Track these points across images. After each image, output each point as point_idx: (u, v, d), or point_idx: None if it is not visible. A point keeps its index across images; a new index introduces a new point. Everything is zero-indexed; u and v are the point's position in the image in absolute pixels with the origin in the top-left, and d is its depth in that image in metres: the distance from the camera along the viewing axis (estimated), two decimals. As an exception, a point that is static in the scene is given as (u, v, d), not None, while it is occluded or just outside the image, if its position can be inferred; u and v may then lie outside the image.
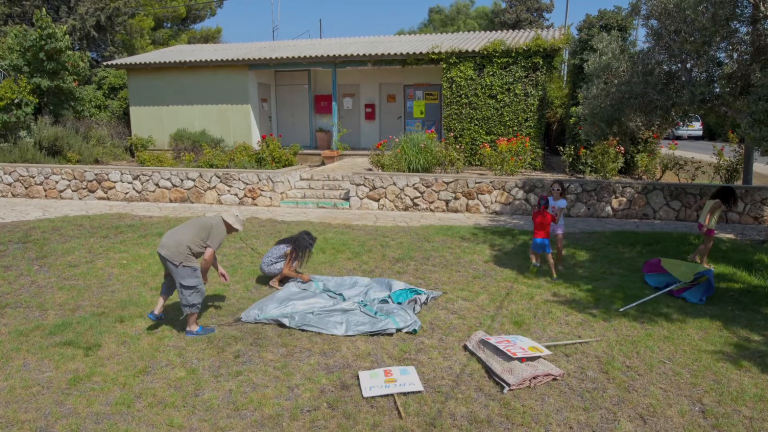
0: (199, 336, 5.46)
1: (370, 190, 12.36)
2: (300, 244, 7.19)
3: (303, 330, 5.62)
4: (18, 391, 4.44)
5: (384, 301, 6.27)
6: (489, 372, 4.74)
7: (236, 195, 13.09)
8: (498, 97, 15.12)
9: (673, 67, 8.16)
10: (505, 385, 4.48)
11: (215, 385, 4.57)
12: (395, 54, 16.13)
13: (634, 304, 6.36)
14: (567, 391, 4.47)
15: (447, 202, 12.09)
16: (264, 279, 7.22)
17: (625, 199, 11.35)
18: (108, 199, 13.83)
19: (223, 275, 6.14)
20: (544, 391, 4.46)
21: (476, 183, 11.92)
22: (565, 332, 5.60)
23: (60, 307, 6.27)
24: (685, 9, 7.15)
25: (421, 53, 15.82)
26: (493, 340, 5.09)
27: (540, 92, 14.87)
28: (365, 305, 6.12)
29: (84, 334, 5.48)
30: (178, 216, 11.50)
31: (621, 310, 6.21)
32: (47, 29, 16.86)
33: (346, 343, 5.36)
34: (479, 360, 4.96)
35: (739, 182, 12.21)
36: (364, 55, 16.40)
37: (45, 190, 14.14)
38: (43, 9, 17.90)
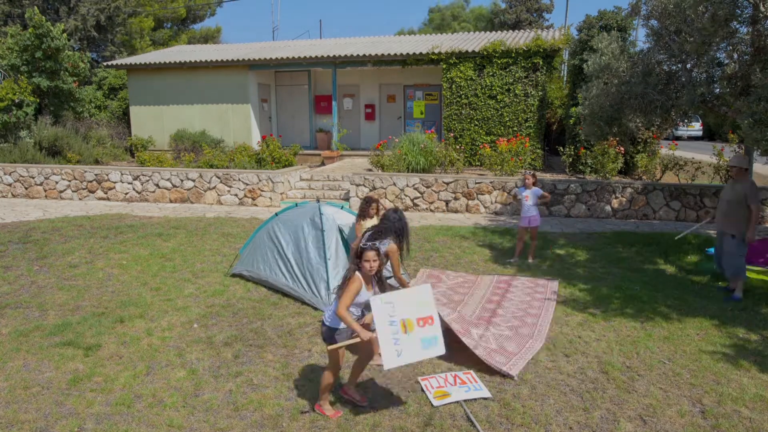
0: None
1: (370, 191, 12.36)
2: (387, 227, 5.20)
3: None
4: (18, 392, 4.44)
5: None
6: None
7: (236, 195, 13.09)
8: (498, 97, 15.12)
9: (673, 67, 8.15)
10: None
11: (215, 385, 4.57)
12: (395, 54, 16.14)
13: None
14: (567, 391, 4.47)
15: (447, 202, 12.09)
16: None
17: (625, 200, 11.35)
18: (108, 199, 13.83)
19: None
20: (544, 391, 4.46)
21: (476, 183, 11.92)
22: (565, 332, 5.60)
23: (60, 307, 6.27)
24: (685, 9, 7.14)
25: (421, 53, 15.82)
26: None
27: (540, 92, 14.87)
28: None
29: (84, 335, 5.48)
30: (178, 216, 11.50)
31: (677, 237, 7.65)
32: (41, 28, 16.84)
33: (346, 343, 5.36)
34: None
35: (739, 182, 12.19)
36: (364, 55, 16.41)
37: (45, 191, 14.14)
38: (35, 8, 17.86)
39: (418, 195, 12.17)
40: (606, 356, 5.07)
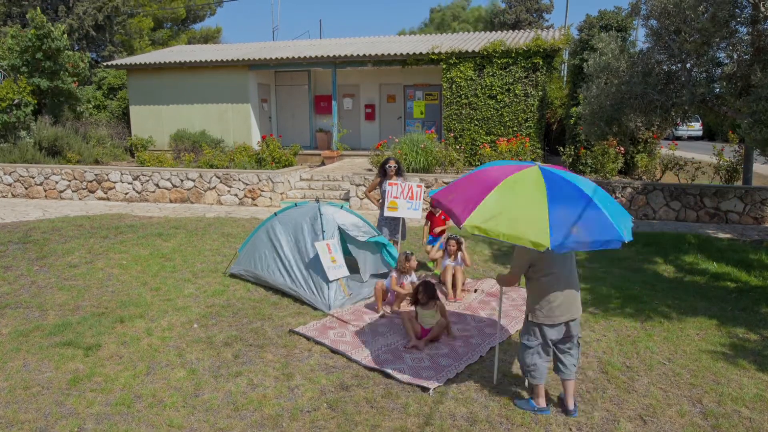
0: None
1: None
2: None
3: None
4: (18, 392, 4.44)
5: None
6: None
7: (236, 195, 13.09)
8: (498, 97, 15.12)
9: (673, 67, 8.17)
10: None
11: (215, 385, 4.57)
12: (395, 54, 16.14)
13: None
14: (567, 392, 4.46)
15: (447, 202, 12.07)
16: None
17: (625, 199, 11.35)
18: (108, 199, 13.83)
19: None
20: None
21: (476, 183, 11.89)
22: (565, 332, 5.59)
23: (60, 307, 6.27)
24: (684, 9, 7.16)
25: (421, 53, 15.82)
26: None
27: (540, 92, 14.87)
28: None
29: (84, 335, 5.48)
30: (178, 216, 11.50)
31: None
32: (42, 29, 16.85)
33: (346, 343, 5.36)
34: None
35: (739, 182, 12.22)
36: (364, 55, 16.41)
37: (45, 191, 14.14)
38: (38, 8, 17.89)
39: (418, 195, 12.16)
40: (606, 356, 5.07)
